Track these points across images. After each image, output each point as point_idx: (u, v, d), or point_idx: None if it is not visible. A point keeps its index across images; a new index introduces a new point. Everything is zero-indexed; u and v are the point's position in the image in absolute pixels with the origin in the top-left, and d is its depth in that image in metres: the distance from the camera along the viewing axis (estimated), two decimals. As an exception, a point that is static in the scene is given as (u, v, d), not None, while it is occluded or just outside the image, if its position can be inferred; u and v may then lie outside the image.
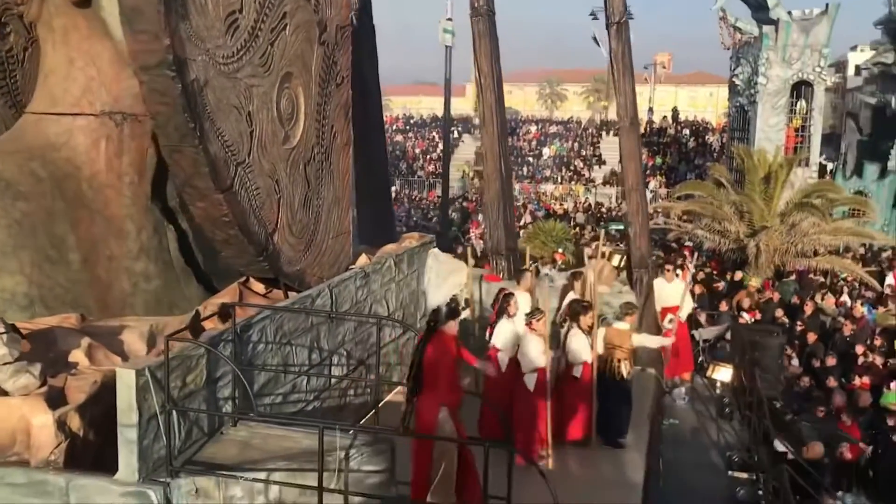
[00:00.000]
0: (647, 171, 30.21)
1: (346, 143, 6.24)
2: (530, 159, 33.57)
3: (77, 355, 4.63)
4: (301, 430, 4.58)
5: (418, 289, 7.52)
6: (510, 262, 7.37)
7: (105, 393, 4.31)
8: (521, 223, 24.16)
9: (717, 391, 8.21)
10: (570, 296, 6.62)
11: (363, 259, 6.54)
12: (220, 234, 5.01)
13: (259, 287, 6.08)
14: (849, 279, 16.87)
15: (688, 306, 7.59)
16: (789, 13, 23.20)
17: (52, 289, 5.57)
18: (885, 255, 19.46)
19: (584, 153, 32.74)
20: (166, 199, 6.26)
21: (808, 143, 24.06)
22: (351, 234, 6.46)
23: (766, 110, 23.94)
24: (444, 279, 5.53)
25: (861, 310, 12.93)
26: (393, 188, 24.55)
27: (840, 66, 37.33)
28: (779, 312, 12.18)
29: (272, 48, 5.13)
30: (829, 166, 26.38)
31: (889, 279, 16.91)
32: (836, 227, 17.98)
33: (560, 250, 11.29)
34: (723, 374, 7.53)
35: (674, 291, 7.90)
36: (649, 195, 27.86)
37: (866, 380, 9.13)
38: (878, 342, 10.85)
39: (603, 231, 11.92)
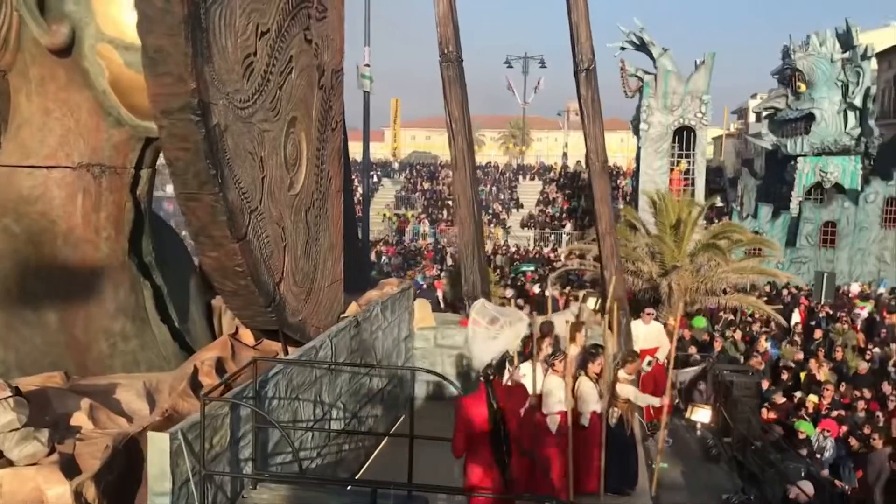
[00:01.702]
0: (564, 214, 31.24)
1: (339, 188, 6.11)
2: (450, 203, 33.97)
3: (80, 418, 4.23)
4: (326, 489, 4.35)
5: (399, 335, 7.38)
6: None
7: (117, 458, 3.98)
8: (442, 266, 24.34)
9: (698, 433, 8.23)
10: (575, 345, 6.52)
11: (353, 307, 6.37)
12: (230, 284, 4.76)
13: (249, 339, 5.80)
14: (756, 316, 17.86)
15: (665, 348, 7.73)
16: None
17: (29, 353, 5.13)
18: (784, 291, 20.77)
19: (502, 197, 33.43)
20: (142, 254, 5.96)
21: (693, 185, 25.57)
22: (342, 282, 6.29)
23: (648, 154, 25.48)
24: (500, 330, 5.35)
25: (765, 345, 13.49)
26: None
27: (742, 113, 40.17)
28: (692, 349, 12.66)
29: (280, 92, 5.00)
30: (725, 207, 28.09)
31: (795, 316, 18.02)
32: (742, 266, 19.06)
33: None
34: (701, 415, 7.62)
35: (651, 334, 8.05)
36: (565, 237, 28.79)
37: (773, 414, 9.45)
38: (784, 376, 11.34)
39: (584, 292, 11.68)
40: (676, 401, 8.55)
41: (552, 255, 26.88)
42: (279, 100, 5.04)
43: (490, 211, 31.24)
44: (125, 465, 4.01)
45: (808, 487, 6.18)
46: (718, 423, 8.17)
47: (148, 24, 4.25)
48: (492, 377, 4.14)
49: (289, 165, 5.25)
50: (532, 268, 25.08)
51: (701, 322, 15.31)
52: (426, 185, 35.35)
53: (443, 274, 21.38)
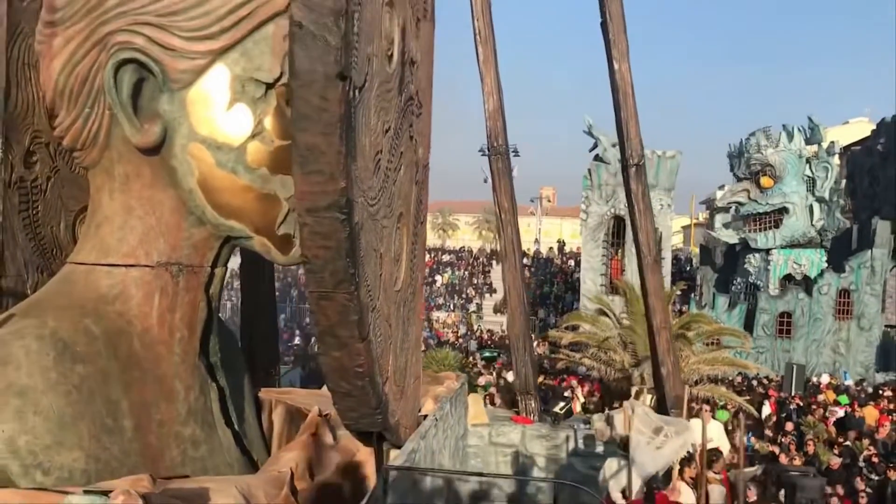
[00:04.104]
0: (536, 301, 31.46)
1: (423, 282, 6.01)
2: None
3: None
4: None
5: (458, 433, 7.12)
6: (538, 402, 7.23)
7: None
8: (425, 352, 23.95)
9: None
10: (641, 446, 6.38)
11: (430, 404, 6.14)
12: (346, 385, 4.54)
13: (328, 438, 5.54)
14: (729, 407, 18.06)
15: (726, 447, 7.64)
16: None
17: (107, 462, 4.74)
18: (753, 382, 21.15)
19: (475, 281, 33.58)
20: (209, 354, 5.71)
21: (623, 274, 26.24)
22: (421, 377, 6.10)
23: (587, 243, 26.38)
24: (665, 440, 5.16)
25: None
26: (282, 315, 23.60)
27: (710, 204, 41.85)
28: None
29: (394, 188, 4.94)
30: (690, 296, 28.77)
31: (766, 408, 18.28)
32: (713, 356, 19.43)
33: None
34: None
35: (712, 432, 7.95)
36: (539, 323, 28.89)
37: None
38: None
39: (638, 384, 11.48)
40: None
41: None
42: (393, 195, 4.97)
43: (464, 296, 31.29)
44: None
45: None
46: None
47: (303, 122, 4.17)
48: (656, 490, 3.99)
49: (395, 261, 5.14)
50: (496, 354, 24.98)
51: (724, 415, 15.23)
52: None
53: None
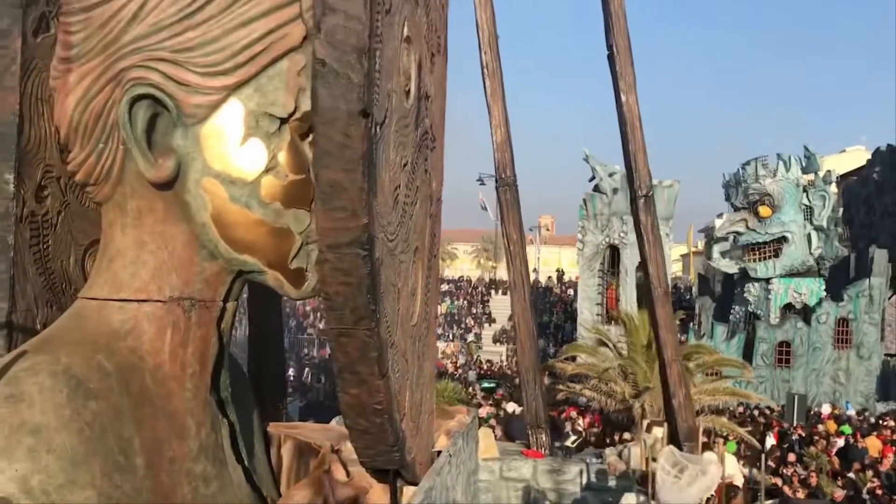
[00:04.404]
0: (537, 330, 31.08)
1: (436, 315, 5.97)
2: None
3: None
4: None
5: (470, 468, 7.03)
6: (549, 435, 7.16)
7: None
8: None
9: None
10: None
11: (443, 440, 6.06)
12: (364, 423, 4.48)
13: (341, 474, 5.45)
14: (731, 438, 17.90)
15: (740, 480, 7.58)
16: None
17: (119, 500, 4.63)
18: (755, 413, 21.00)
19: (474, 311, 33.49)
20: (220, 389, 5.65)
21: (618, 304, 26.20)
22: (434, 412, 6.03)
23: (584, 272, 26.37)
24: (693, 479, 5.09)
25: (744, 470, 13.44)
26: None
27: (709, 232, 42.01)
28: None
29: (410, 222, 4.93)
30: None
31: (769, 439, 18.12)
32: (715, 387, 19.34)
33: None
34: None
35: (729, 467, 7.85)
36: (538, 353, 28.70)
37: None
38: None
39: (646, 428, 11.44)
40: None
41: (523, 371, 26.65)
42: (410, 230, 4.96)
43: (462, 325, 31.17)
44: None
45: None
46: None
47: (326, 158, 4.19)
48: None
49: (411, 296, 5.12)
50: (495, 384, 24.82)
51: (732, 447, 15.13)
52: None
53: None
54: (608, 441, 16.24)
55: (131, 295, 5.05)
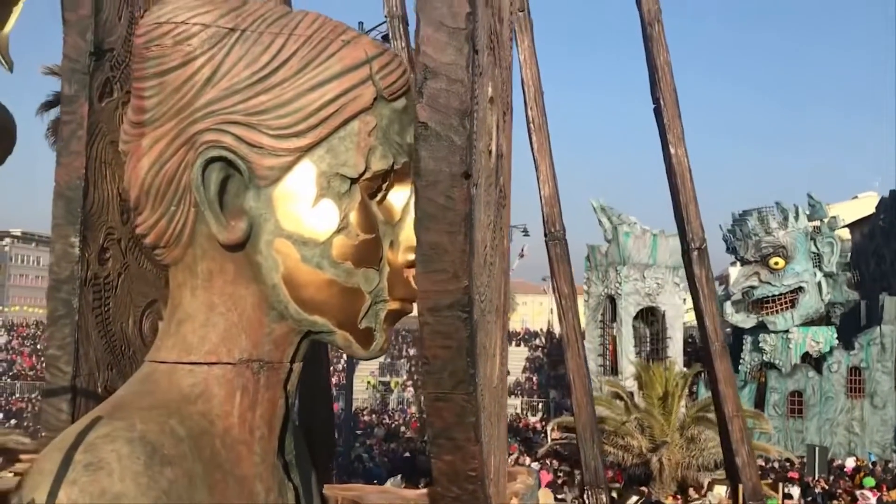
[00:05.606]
0: (550, 382, 30.83)
1: (507, 373, 5.87)
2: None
3: None
4: None
5: (528, 533, 6.81)
6: (609, 496, 6.97)
7: None
8: (425, 437, 23.39)
9: None
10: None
11: (514, 502, 5.87)
12: (457, 489, 4.30)
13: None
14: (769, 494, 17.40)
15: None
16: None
17: (188, 567, 4.46)
18: (774, 465, 20.55)
19: (488, 363, 33.09)
20: (286, 453, 5.48)
21: (616, 355, 25.93)
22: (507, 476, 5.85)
23: (590, 323, 25.72)
24: None
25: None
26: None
27: (723, 280, 41.60)
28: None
29: (492, 280, 4.88)
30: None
31: (795, 491, 17.63)
32: (735, 441, 19.00)
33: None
34: None
35: None
36: (552, 405, 28.31)
37: None
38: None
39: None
40: None
41: (539, 424, 26.28)
42: (492, 289, 4.90)
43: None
44: None
45: None
46: None
47: (428, 221, 4.09)
48: None
49: (492, 356, 5.03)
50: (511, 439, 24.41)
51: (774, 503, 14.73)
52: (412, 351, 34.74)
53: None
54: (634, 497, 15.90)
55: (201, 358, 4.93)
